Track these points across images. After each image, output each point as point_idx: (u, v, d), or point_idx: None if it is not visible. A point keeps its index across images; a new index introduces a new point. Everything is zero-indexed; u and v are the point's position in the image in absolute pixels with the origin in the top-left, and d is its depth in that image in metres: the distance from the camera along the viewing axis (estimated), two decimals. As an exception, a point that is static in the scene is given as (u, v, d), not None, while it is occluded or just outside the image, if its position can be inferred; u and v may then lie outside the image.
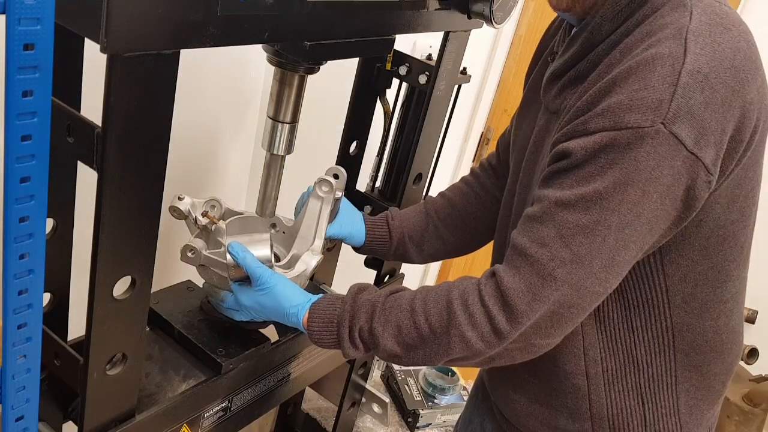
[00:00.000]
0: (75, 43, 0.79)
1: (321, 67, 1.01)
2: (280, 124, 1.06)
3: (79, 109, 0.80)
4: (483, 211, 1.21)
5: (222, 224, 1.02)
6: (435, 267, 2.52)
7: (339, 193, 1.13)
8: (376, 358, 1.70)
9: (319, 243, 1.11)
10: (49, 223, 0.87)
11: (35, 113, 0.60)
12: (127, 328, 0.83)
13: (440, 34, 1.16)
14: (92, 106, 0.74)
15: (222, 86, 1.52)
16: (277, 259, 1.13)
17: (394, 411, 1.75)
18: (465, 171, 2.31)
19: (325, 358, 1.25)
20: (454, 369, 1.86)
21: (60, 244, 0.89)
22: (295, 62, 0.98)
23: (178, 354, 1.06)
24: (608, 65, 0.83)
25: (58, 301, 0.93)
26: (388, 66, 1.25)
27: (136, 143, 0.71)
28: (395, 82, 1.28)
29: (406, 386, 1.77)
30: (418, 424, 1.71)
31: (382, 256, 1.27)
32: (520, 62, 2.18)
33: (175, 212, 1.03)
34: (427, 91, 1.21)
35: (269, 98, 1.05)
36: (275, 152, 1.08)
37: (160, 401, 0.95)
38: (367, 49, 1.02)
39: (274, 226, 1.18)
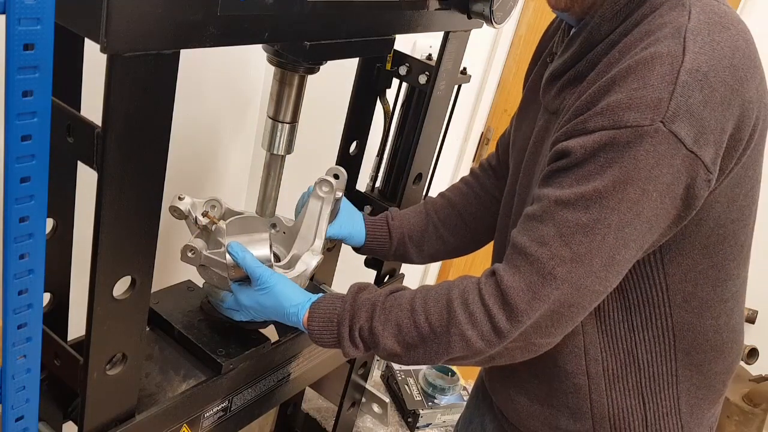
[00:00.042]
0: (75, 43, 0.79)
1: (321, 67, 1.01)
2: (280, 124, 1.06)
3: (79, 109, 0.80)
4: (483, 212, 1.21)
5: (222, 224, 1.02)
6: (435, 267, 2.52)
7: (339, 194, 1.13)
8: (377, 357, 1.70)
9: (319, 243, 1.11)
10: (49, 223, 0.87)
11: (35, 113, 0.60)
12: (127, 328, 0.83)
13: (440, 34, 1.16)
14: (92, 106, 0.74)
15: (222, 86, 1.52)
16: (277, 259, 1.13)
17: (394, 411, 1.75)
18: (465, 171, 2.31)
19: (325, 358, 1.25)
20: (454, 369, 1.86)
21: (60, 244, 0.89)
22: (295, 62, 0.98)
23: (178, 354, 1.06)
24: (607, 65, 0.83)
25: (58, 301, 0.93)
26: (388, 66, 1.25)
27: (136, 143, 0.71)
28: (395, 82, 1.28)
29: (406, 386, 1.77)
30: (418, 424, 1.71)
31: (382, 257, 1.27)
32: (520, 62, 2.18)
33: (176, 212, 1.03)
34: (427, 91, 1.21)
35: (269, 98, 1.05)
36: (275, 152, 1.08)
37: (160, 401, 0.95)
38: (367, 49, 1.02)
39: (274, 226, 1.18)
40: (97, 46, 0.62)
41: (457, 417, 1.60)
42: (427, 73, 1.22)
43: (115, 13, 0.60)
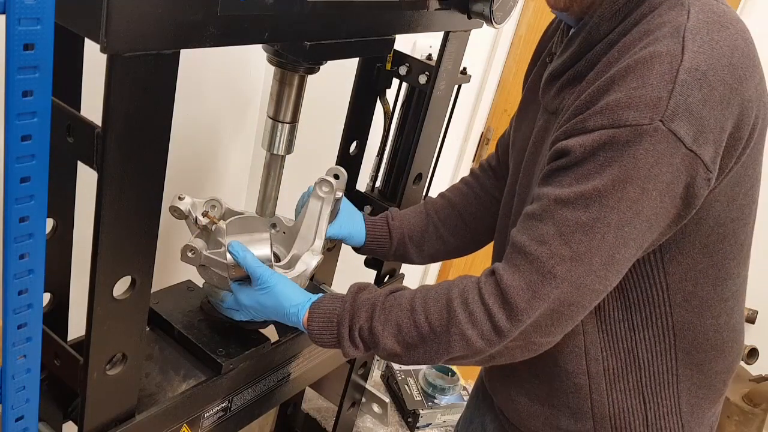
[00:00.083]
0: (75, 43, 0.79)
1: (321, 67, 1.01)
2: (280, 124, 1.06)
3: (79, 109, 0.80)
4: (483, 212, 1.21)
5: (222, 224, 1.02)
6: (435, 267, 2.52)
7: (339, 194, 1.13)
8: (376, 357, 1.70)
9: (319, 243, 1.11)
10: (49, 223, 0.87)
11: (35, 113, 0.60)
12: (127, 328, 0.83)
13: (440, 34, 1.16)
14: (92, 106, 0.74)
15: (222, 86, 1.52)
16: (277, 259, 1.13)
17: (394, 411, 1.75)
18: (465, 171, 2.31)
19: (325, 358, 1.25)
20: (454, 369, 1.86)
21: (60, 244, 0.89)
22: (295, 62, 0.98)
23: (178, 354, 1.06)
24: (606, 64, 0.83)
25: (58, 301, 0.93)
26: (388, 66, 1.25)
27: (136, 143, 0.71)
28: (395, 82, 1.28)
29: (406, 386, 1.77)
30: (418, 424, 1.71)
31: (382, 257, 1.27)
32: (520, 62, 2.18)
33: (176, 212, 1.03)
34: (427, 91, 1.21)
35: (269, 98, 1.05)
36: (275, 152, 1.08)
37: (160, 401, 0.95)
38: (367, 49, 1.02)
39: (274, 226, 1.18)
40: (97, 46, 0.62)
41: (457, 417, 1.60)
42: (427, 73, 1.22)
43: (115, 13, 0.60)
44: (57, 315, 0.94)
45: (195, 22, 0.68)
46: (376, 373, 1.84)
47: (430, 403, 1.75)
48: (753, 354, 2.39)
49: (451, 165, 2.27)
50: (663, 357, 0.93)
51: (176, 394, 0.98)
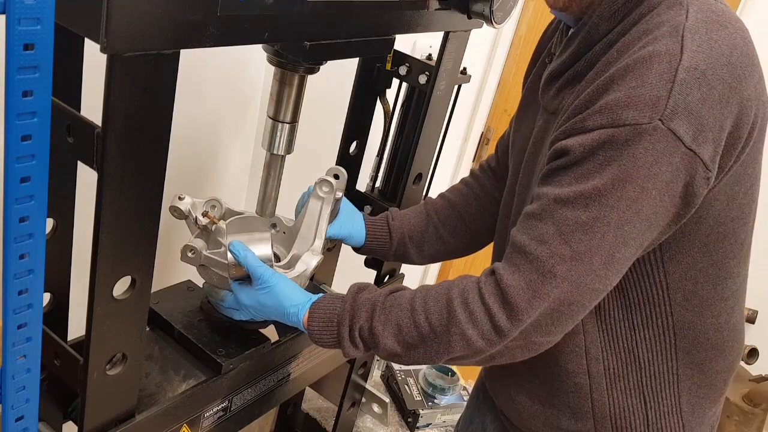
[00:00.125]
0: (75, 43, 0.79)
1: (321, 67, 1.01)
2: (280, 124, 1.06)
3: (79, 109, 0.80)
4: (483, 212, 1.21)
5: (222, 224, 1.02)
6: (435, 267, 2.52)
7: (339, 194, 1.13)
8: (376, 357, 1.70)
9: (319, 243, 1.11)
10: (49, 223, 0.87)
11: (35, 113, 0.60)
12: (127, 328, 0.83)
13: (440, 34, 1.16)
14: (92, 106, 0.74)
15: (222, 86, 1.52)
16: (277, 259, 1.13)
17: (394, 411, 1.75)
18: (465, 171, 2.31)
19: (325, 358, 1.25)
20: (454, 369, 1.86)
21: (60, 244, 0.89)
22: (295, 62, 0.98)
23: (178, 354, 1.06)
24: (605, 64, 0.83)
25: (58, 301, 0.93)
26: (388, 66, 1.25)
27: (136, 143, 0.71)
28: (395, 82, 1.28)
29: (406, 386, 1.77)
30: (418, 424, 1.71)
31: (382, 257, 1.27)
32: (520, 62, 2.18)
33: (176, 212, 1.03)
34: (427, 91, 1.21)
35: (269, 98, 1.05)
36: (275, 152, 1.08)
37: (160, 401, 0.95)
38: (367, 49, 1.02)
39: (274, 226, 1.18)
40: (97, 46, 0.62)
41: (457, 417, 1.60)
42: (427, 73, 1.22)
43: (115, 13, 0.60)
44: (57, 315, 0.94)
45: (195, 22, 0.68)
46: (376, 373, 1.84)
47: (430, 403, 1.75)
48: (753, 354, 2.39)
49: (451, 165, 2.27)
50: (663, 356, 0.93)
51: (176, 394, 0.98)
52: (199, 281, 1.11)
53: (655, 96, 0.75)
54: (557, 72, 0.92)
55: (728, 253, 0.90)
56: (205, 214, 1.02)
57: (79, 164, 0.81)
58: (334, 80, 1.27)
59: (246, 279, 1.01)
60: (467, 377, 1.88)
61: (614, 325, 0.93)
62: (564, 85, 0.90)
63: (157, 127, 0.72)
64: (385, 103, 1.29)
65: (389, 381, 1.81)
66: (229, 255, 0.99)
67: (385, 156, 1.35)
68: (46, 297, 0.91)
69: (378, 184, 1.39)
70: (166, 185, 0.77)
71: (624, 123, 0.76)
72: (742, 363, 2.24)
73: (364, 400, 1.58)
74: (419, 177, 1.33)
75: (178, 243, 1.03)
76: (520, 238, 0.84)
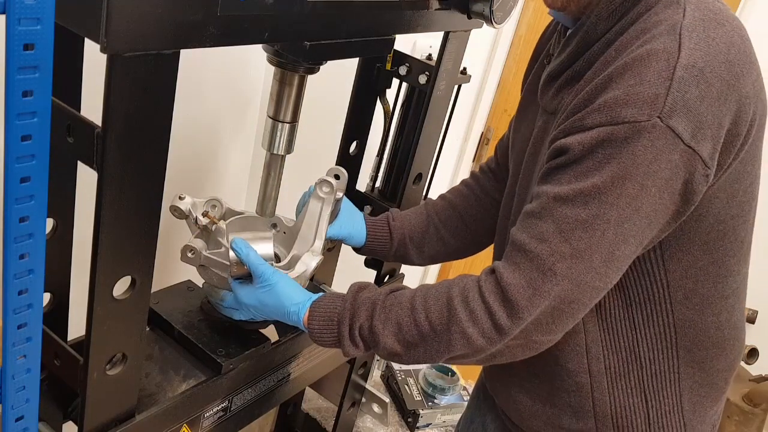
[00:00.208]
0: (75, 43, 0.79)
1: (321, 67, 1.01)
2: (280, 124, 1.06)
3: (79, 109, 0.80)
4: (483, 213, 1.21)
5: (222, 224, 1.02)
6: (435, 267, 2.52)
7: (340, 194, 1.13)
8: (377, 357, 1.70)
9: (319, 244, 1.11)
10: (49, 223, 0.87)
11: (35, 113, 0.60)
12: (127, 328, 0.83)
13: (440, 34, 1.16)
14: (92, 106, 0.74)
15: (222, 86, 1.52)
16: (278, 259, 1.13)
17: (394, 411, 1.75)
18: (465, 171, 2.31)
19: (325, 358, 1.25)
20: (454, 369, 1.86)
21: (60, 244, 0.89)
22: (295, 62, 0.98)
23: (178, 354, 1.06)
24: (604, 63, 0.83)
25: (58, 301, 0.93)
26: (388, 66, 1.25)
27: (136, 143, 0.71)
28: (395, 82, 1.28)
29: (406, 386, 1.77)
30: (418, 424, 1.71)
31: (383, 257, 1.27)
32: (520, 62, 2.18)
33: (176, 212, 1.03)
34: (427, 91, 1.21)
35: (269, 98, 1.05)
36: (275, 152, 1.08)
37: (160, 401, 0.95)
38: (367, 49, 1.02)
39: (274, 226, 1.18)
40: (97, 46, 0.62)
41: (457, 417, 1.60)
42: (427, 73, 1.22)
43: (115, 13, 0.60)
44: (57, 315, 0.94)
45: (195, 22, 0.68)
46: (376, 373, 1.84)
47: (430, 403, 1.75)
48: (753, 354, 2.38)
49: (451, 165, 2.27)
50: (664, 355, 0.94)
51: (176, 394, 0.98)
52: (199, 281, 1.11)
53: (653, 94, 0.75)
54: (556, 72, 0.92)
55: (728, 251, 0.90)
56: (205, 214, 1.02)
57: (79, 164, 0.81)
58: (334, 80, 1.27)
59: (247, 278, 1.01)
60: (467, 377, 1.88)
61: (615, 324, 0.93)
62: (563, 85, 0.91)
63: (157, 127, 0.72)
64: (385, 103, 1.29)
65: (389, 381, 1.81)
66: (231, 252, 0.99)
67: (385, 156, 1.35)
68: (46, 297, 0.91)
69: (378, 184, 1.39)
70: (166, 185, 0.77)
71: (623, 121, 0.76)
72: (742, 363, 2.23)
73: (364, 400, 1.58)
74: (419, 177, 1.33)
75: (178, 243, 1.03)
76: (520, 236, 0.84)
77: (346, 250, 1.31)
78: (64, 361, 0.86)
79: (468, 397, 1.75)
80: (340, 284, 1.25)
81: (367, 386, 1.55)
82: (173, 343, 1.07)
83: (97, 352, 0.80)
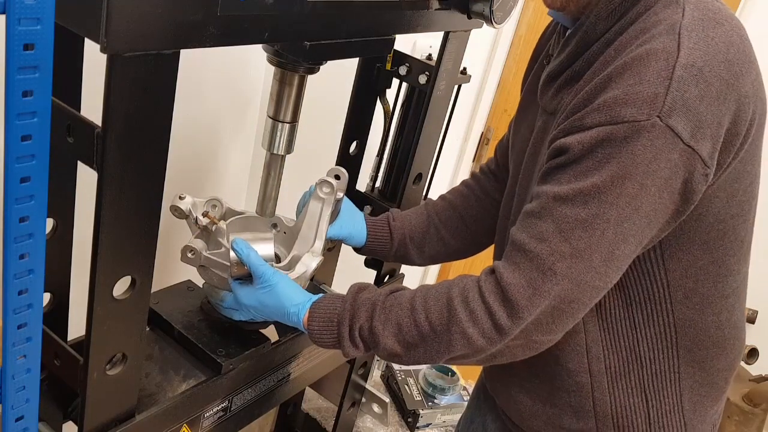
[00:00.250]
0: (75, 43, 0.79)
1: (321, 67, 1.01)
2: (280, 124, 1.06)
3: (79, 109, 0.80)
4: (483, 214, 1.21)
5: (222, 224, 1.02)
6: (434, 267, 2.52)
7: (340, 194, 1.13)
8: (376, 357, 1.70)
9: (319, 244, 1.11)
10: (49, 223, 0.87)
11: (35, 113, 0.60)
12: (127, 328, 0.83)
13: (440, 34, 1.16)
14: (92, 106, 0.74)
15: (222, 86, 1.52)
16: (278, 259, 1.13)
17: (394, 411, 1.75)
18: (465, 171, 2.31)
19: (325, 358, 1.25)
20: (454, 369, 1.86)
21: (60, 244, 0.89)
22: (295, 62, 0.98)
23: (178, 354, 1.06)
24: (603, 63, 0.83)
25: (58, 301, 0.93)
26: (388, 66, 1.25)
27: (136, 143, 0.71)
28: (395, 82, 1.28)
29: (406, 386, 1.77)
30: (418, 424, 1.71)
31: (383, 257, 1.27)
32: (520, 62, 2.18)
33: (176, 211, 1.03)
34: (427, 91, 1.21)
35: (269, 98, 1.05)
36: (275, 152, 1.08)
37: (160, 401, 0.95)
38: (367, 49, 1.02)
39: (275, 226, 1.18)
40: (97, 46, 0.62)
41: (457, 417, 1.60)
42: (427, 73, 1.22)
43: (115, 13, 0.60)
44: (57, 315, 0.94)
45: (195, 22, 0.68)
46: (376, 373, 1.84)
47: (430, 403, 1.75)
48: (753, 354, 2.38)
49: (451, 165, 2.27)
50: (665, 354, 0.94)
51: (176, 394, 0.98)
52: (199, 281, 1.11)
53: (652, 93, 0.75)
54: (555, 72, 0.92)
55: (728, 250, 0.90)
56: (205, 214, 1.02)
57: (79, 164, 0.81)
58: (334, 80, 1.27)
59: (247, 278, 1.01)
60: (467, 377, 1.88)
61: (615, 324, 0.93)
62: (562, 85, 0.91)
63: (157, 127, 0.72)
64: (385, 103, 1.29)
65: (389, 381, 1.81)
66: (232, 253, 0.99)
67: (385, 156, 1.35)
68: (46, 297, 0.91)
69: (378, 184, 1.39)
70: (166, 185, 0.77)
71: (622, 120, 0.76)
72: (742, 363, 2.23)
73: (364, 400, 1.58)
74: (419, 177, 1.33)
75: (178, 243, 1.03)
76: (520, 236, 0.84)
77: (346, 251, 1.31)
78: (64, 361, 0.86)
79: (468, 397, 1.75)
80: (340, 284, 1.25)
81: (367, 386, 1.55)
82: (173, 343, 1.07)
83: (97, 352, 0.80)
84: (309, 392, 1.64)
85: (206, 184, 1.61)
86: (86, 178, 0.79)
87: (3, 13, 0.55)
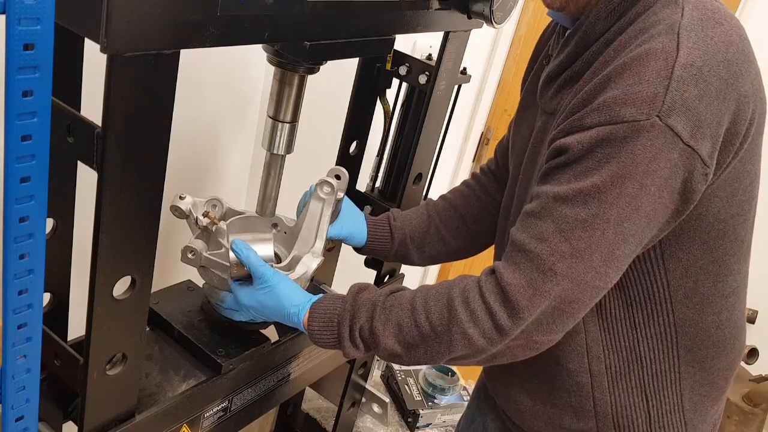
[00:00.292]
0: (75, 43, 0.79)
1: (321, 67, 1.01)
2: (280, 124, 1.06)
3: (79, 109, 0.80)
4: (484, 214, 1.21)
5: (223, 225, 1.02)
6: (434, 267, 2.52)
7: (341, 194, 1.13)
8: (376, 357, 1.70)
9: (320, 245, 1.11)
10: (49, 223, 0.87)
11: (35, 113, 0.60)
12: (127, 328, 0.83)
13: (440, 34, 1.16)
14: (92, 106, 0.74)
15: (222, 86, 1.52)
16: (278, 259, 1.13)
17: (394, 411, 1.75)
18: (465, 171, 2.31)
19: (325, 358, 1.25)
20: (454, 369, 1.86)
21: (60, 244, 0.89)
22: (295, 62, 0.98)
23: (178, 354, 1.06)
24: (602, 63, 0.83)
25: (58, 301, 0.93)
26: (388, 66, 1.25)
27: (136, 143, 0.71)
28: (395, 82, 1.28)
29: (406, 386, 1.77)
30: (418, 424, 1.71)
31: (383, 257, 1.27)
32: (520, 62, 2.18)
33: (177, 211, 1.03)
34: (427, 91, 1.21)
35: (269, 98, 1.05)
36: (275, 152, 1.08)
37: (160, 401, 0.95)
38: (367, 49, 1.02)
39: (275, 225, 1.18)
40: (97, 46, 0.62)
41: (457, 417, 1.60)
42: (427, 73, 1.22)
43: (115, 13, 0.60)
44: (57, 315, 0.94)
45: (195, 22, 0.68)
46: (376, 373, 1.84)
47: (430, 403, 1.75)
48: (753, 354, 2.38)
49: (451, 165, 2.27)
50: (665, 354, 0.94)
51: (176, 394, 0.98)
52: (199, 281, 1.11)
53: (652, 93, 0.75)
54: (555, 73, 0.92)
55: (728, 250, 0.90)
56: (205, 215, 1.02)
57: (79, 164, 0.81)
58: (334, 80, 1.27)
59: (247, 279, 1.01)
60: (467, 377, 1.88)
61: (615, 324, 0.93)
62: (562, 86, 0.91)
63: (157, 127, 0.72)
64: (385, 103, 1.29)
65: (389, 381, 1.81)
66: (231, 254, 0.99)
67: (385, 156, 1.35)
68: (46, 297, 0.91)
69: (378, 184, 1.39)
70: (166, 185, 0.77)
71: (622, 120, 0.76)
72: (742, 363, 2.23)
73: (364, 400, 1.58)
74: (419, 177, 1.33)
75: (178, 243, 1.03)
76: (520, 236, 0.84)
77: (345, 251, 1.31)
78: (64, 361, 0.86)
79: (468, 397, 1.75)
80: (340, 284, 1.25)
81: (367, 386, 1.55)
82: (173, 343, 1.07)
83: (97, 352, 0.80)
84: (309, 392, 1.64)
85: (206, 184, 1.61)
86: (86, 178, 0.79)
87: (3, 13, 0.55)
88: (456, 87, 1.28)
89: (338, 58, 0.94)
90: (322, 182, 1.10)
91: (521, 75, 1.14)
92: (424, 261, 1.24)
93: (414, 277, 2.38)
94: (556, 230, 0.80)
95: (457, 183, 1.30)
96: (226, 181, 1.67)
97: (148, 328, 1.06)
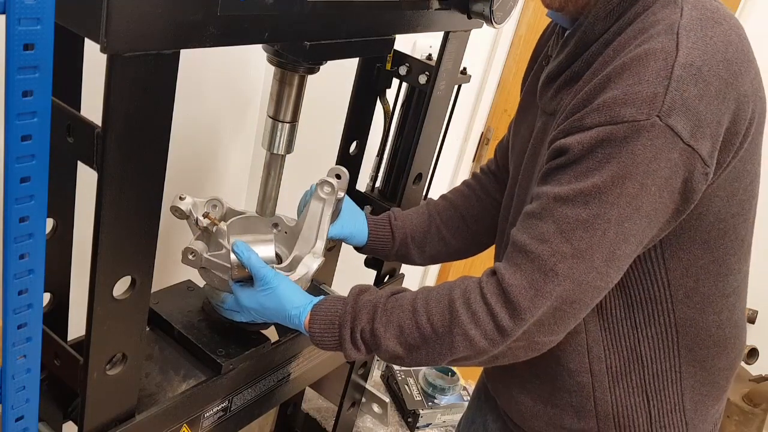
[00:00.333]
0: (75, 43, 0.79)
1: (321, 67, 1.01)
2: (280, 124, 1.06)
3: (79, 109, 0.80)
4: (484, 214, 1.21)
5: (223, 225, 1.02)
6: (435, 267, 2.52)
7: (341, 194, 1.13)
8: (377, 357, 1.70)
9: (320, 245, 1.11)
10: (49, 223, 0.87)
11: (35, 113, 0.60)
12: (127, 328, 0.82)
13: (440, 34, 1.16)
14: (92, 106, 0.74)
15: (222, 86, 1.52)
16: (279, 259, 1.13)
17: (394, 411, 1.74)
18: (465, 171, 2.31)
19: (325, 358, 1.25)
20: (454, 369, 1.86)
21: (60, 244, 0.89)
22: (295, 62, 0.98)
23: (178, 354, 1.06)
24: (602, 63, 0.83)
25: (58, 301, 0.93)
26: (388, 66, 1.25)
27: (136, 143, 0.71)
28: (395, 82, 1.28)
29: (406, 386, 1.77)
30: (418, 424, 1.71)
31: (384, 257, 1.27)
32: (520, 62, 2.18)
33: (177, 212, 1.03)
34: (427, 91, 1.21)
35: (269, 98, 1.05)
36: (275, 152, 1.08)
37: (160, 401, 0.95)
38: (367, 49, 1.02)
39: (276, 225, 1.18)
40: (97, 46, 0.62)
41: (457, 417, 1.60)
42: (427, 73, 1.22)
43: (115, 13, 0.60)
44: (57, 315, 0.94)
45: (195, 22, 0.68)
46: (376, 373, 1.84)
47: (430, 403, 1.75)
48: (753, 354, 2.38)
49: (451, 165, 2.27)
50: (666, 354, 0.94)
51: (176, 394, 0.98)
52: (200, 281, 1.11)
53: (652, 93, 0.76)
54: (555, 73, 0.92)
55: (729, 249, 0.90)
56: (206, 215, 1.02)
57: (79, 164, 0.81)
58: (334, 80, 1.27)
59: (247, 280, 1.01)
60: (467, 377, 1.88)
61: (616, 324, 0.93)
62: (562, 86, 0.91)
63: (157, 127, 0.72)
64: (385, 103, 1.29)
65: (389, 381, 1.81)
66: (232, 255, 0.99)
67: (385, 156, 1.35)
68: (46, 297, 0.91)
69: (378, 184, 1.39)
70: (166, 185, 0.77)
71: (622, 120, 0.76)
72: (742, 363, 2.23)
73: (364, 400, 1.58)
74: (419, 177, 1.33)
75: (178, 243, 1.03)
76: (521, 237, 0.84)
77: (346, 250, 1.31)
78: (64, 361, 0.86)
79: (468, 397, 1.75)
80: (340, 284, 1.25)
81: (367, 386, 1.55)
82: (173, 343, 1.07)
83: (97, 352, 0.80)
84: (309, 392, 1.64)
85: (206, 184, 1.61)
86: (86, 178, 0.79)
87: (3, 13, 0.55)
88: (456, 87, 1.28)
89: (338, 58, 0.94)
90: (323, 182, 1.10)
91: (521, 75, 1.14)
92: (425, 261, 1.24)
93: (414, 277, 2.38)
94: (557, 231, 0.80)
95: (457, 183, 1.30)
96: (226, 181, 1.67)
97: (148, 328, 1.06)
